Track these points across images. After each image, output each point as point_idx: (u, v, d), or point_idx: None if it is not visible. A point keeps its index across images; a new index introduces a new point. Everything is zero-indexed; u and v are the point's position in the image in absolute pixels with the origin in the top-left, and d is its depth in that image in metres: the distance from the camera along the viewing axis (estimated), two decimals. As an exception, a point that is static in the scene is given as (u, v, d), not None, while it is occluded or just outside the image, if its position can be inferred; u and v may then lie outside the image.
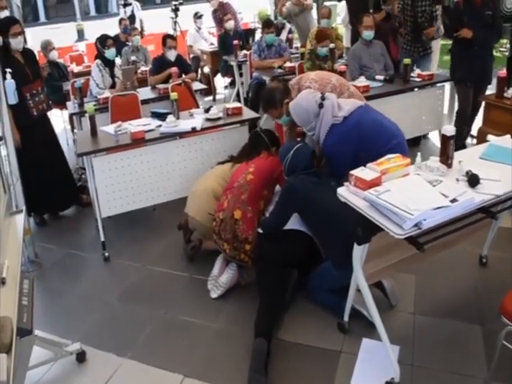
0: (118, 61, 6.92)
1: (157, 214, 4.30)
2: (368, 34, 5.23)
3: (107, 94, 4.87)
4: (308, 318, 2.94)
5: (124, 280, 3.50)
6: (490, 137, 3.16)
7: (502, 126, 4.08)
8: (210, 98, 7.93)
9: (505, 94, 4.34)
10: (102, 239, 3.78)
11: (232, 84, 7.72)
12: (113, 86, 5.17)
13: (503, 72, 4.38)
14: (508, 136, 3.14)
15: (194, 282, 3.39)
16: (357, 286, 2.60)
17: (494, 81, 4.78)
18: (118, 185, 3.75)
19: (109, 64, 5.17)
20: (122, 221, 4.09)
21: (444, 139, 2.75)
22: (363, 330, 2.76)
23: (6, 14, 5.41)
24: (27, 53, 4.13)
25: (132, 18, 8.51)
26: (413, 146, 5.52)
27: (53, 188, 4.26)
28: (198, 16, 8.19)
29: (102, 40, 5.11)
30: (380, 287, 2.98)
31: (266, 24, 6.28)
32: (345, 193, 2.50)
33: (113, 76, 5.21)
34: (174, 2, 8.87)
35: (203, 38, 8.32)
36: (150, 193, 3.87)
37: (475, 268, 3.35)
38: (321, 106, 3.05)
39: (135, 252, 3.83)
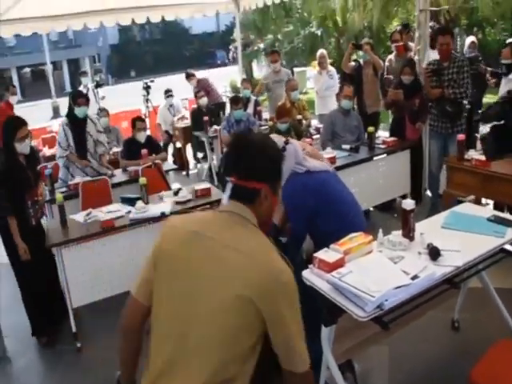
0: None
1: (121, 301, 4.22)
2: (346, 102, 5.42)
3: (77, 179, 4.87)
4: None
5: (97, 374, 3.40)
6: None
7: (465, 188, 4.20)
8: (184, 173, 8.03)
9: (465, 156, 4.47)
10: (74, 330, 3.70)
11: (204, 158, 7.87)
12: (83, 144, 4.96)
13: (461, 136, 4.54)
14: (469, 201, 3.24)
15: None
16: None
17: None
18: (88, 274, 3.72)
19: (78, 122, 4.91)
20: (94, 308, 4.01)
21: (405, 213, 2.81)
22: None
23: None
24: (31, 155, 3.85)
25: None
26: (383, 210, 5.66)
27: (51, 304, 3.91)
28: (168, 95, 8.38)
29: (74, 96, 4.95)
30: (350, 369, 2.92)
31: (234, 100, 6.48)
32: (309, 275, 2.52)
33: (83, 134, 4.93)
34: (145, 80, 9.15)
35: (172, 115, 8.37)
36: (122, 280, 3.83)
37: (448, 333, 3.37)
38: (283, 149, 2.92)
39: (108, 341, 3.71)
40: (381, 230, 2.77)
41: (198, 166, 8.04)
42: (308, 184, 2.92)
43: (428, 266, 2.41)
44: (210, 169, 7.32)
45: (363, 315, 2.14)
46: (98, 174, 5.02)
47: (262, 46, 16.01)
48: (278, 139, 3.08)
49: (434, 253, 2.51)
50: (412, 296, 2.27)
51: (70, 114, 4.94)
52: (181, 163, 7.79)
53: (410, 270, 2.38)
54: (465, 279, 2.79)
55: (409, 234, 2.78)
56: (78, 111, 4.88)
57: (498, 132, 4.22)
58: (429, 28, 5.79)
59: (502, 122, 4.22)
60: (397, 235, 2.75)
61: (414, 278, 2.31)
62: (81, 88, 8.47)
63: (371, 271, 2.38)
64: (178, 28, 39.02)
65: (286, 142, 3.00)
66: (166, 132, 8.31)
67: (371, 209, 5.66)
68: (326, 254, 2.52)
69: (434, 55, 5.56)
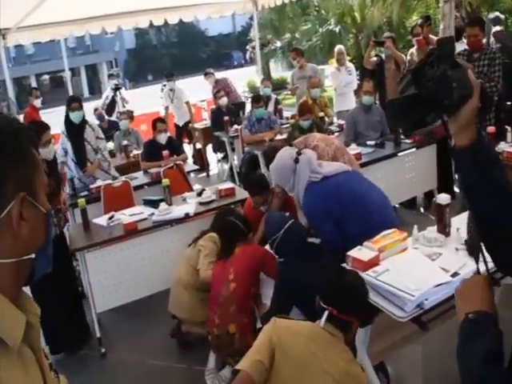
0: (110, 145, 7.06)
1: (153, 302, 4.17)
2: (367, 99, 5.30)
3: (99, 182, 4.84)
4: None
5: (122, 379, 3.34)
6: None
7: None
8: (204, 174, 7.98)
9: (496, 149, 4.33)
10: (98, 335, 3.66)
11: (225, 158, 7.80)
12: (81, 151, 4.86)
13: (491, 128, 4.39)
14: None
15: (193, 375, 3.24)
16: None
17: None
18: (112, 278, 3.66)
19: (74, 128, 4.82)
20: (118, 312, 3.96)
21: (439, 208, 2.72)
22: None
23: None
24: (53, 161, 3.74)
25: (113, 102, 8.54)
26: (408, 207, 5.52)
27: (72, 318, 3.73)
28: (168, 78, 8.26)
29: (68, 101, 4.88)
30: (384, 371, 2.82)
31: (255, 99, 6.40)
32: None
33: (80, 141, 4.83)
34: (163, 82, 9.10)
35: (171, 99, 8.23)
36: (146, 283, 3.78)
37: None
38: (296, 160, 2.95)
39: (132, 345, 3.69)
40: (415, 227, 2.67)
41: (219, 166, 7.96)
42: (324, 191, 2.88)
43: (467, 262, 2.30)
44: (231, 169, 7.24)
45: (403, 315, 2.05)
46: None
47: (279, 45, 15.93)
48: (291, 151, 3.02)
49: (473, 248, 2.39)
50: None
51: (67, 121, 4.86)
52: (201, 164, 7.72)
53: (449, 267, 2.28)
54: (505, 275, 2.66)
55: (444, 229, 2.69)
56: (73, 116, 4.81)
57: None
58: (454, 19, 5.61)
59: None
60: (432, 231, 2.66)
61: (454, 275, 2.20)
62: (108, 91, 8.51)
63: (409, 269, 2.28)
64: (194, 30, 39.15)
65: (299, 153, 2.98)
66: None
67: (397, 205, 5.52)
68: (360, 253, 2.43)
69: (458, 47, 5.39)
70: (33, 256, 0.88)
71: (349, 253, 2.44)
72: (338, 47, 7.60)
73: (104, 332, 3.73)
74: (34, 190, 0.89)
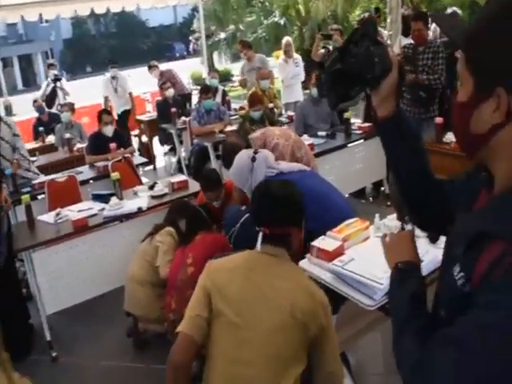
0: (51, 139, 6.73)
1: (107, 301, 4.00)
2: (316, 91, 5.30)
3: (42, 177, 4.58)
4: None
5: (76, 383, 3.18)
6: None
7: (444, 171, 4.15)
8: (151, 167, 7.76)
9: (443, 139, 4.45)
10: (48, 338, 3.46)
11: (172, 150, 7.62)
12: None
13: (439, 119, 4.51)
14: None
15: (152, 374, 3.12)
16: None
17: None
18: (61, 278, 3.48)
19: None
20: (69, 313, 3.76)
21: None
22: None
23: None
24: None
25: (53, 93, 8.15)
26: (358, 197, 5.61)
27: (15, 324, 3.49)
28: (111, 65, 7.98)
29: None
30: (344, 361, 2.83)
31: (204, 90, 6.28)
32: (307, 265, 2.39)
33: None
34: (106, 73, 8.77)
35: (114, 88, 7.98)
36: (98, 281, 3.61)
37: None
38: (253, 159, 2.92)
39: (86, 347, 3.52)
40: (377, 215, 2.68)
41: (166, 159, 7.77)
42: None
43: (429, 249, 2.32)
44: (178, 161, 7.08)
45: (371, 303, 2.05)
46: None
47: (223, 36, 15.77)
48: (248, 152, 2.99)
49: (433, 236, 2.42)
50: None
51: None
52: (147, 157, 7.49)
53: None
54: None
55: (404, 217, 2.70)
56: None
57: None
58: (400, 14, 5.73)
59: None
60: (392, 219, 2.67)
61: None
62: (46, 82, 8.09)
63: (373, 257, 2.26)
64: (134, 20, 38.10)
65: (256, 152, 2.98)
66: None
67: (347, 195, 5.59)
68: (324, 242, 2.41)
69: (405, 41, 5.51)
70: None
71: (313, 243, 2.41)
72: (286, 39, 7.59)
73: (54, 335, 3.53)
74: None
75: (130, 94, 8.07)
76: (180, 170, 6.94)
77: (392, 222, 2.63)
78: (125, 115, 8.06)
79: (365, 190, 5.72)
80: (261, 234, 1.79)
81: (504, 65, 0.84)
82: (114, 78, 7.91)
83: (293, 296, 1.66)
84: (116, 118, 7.80)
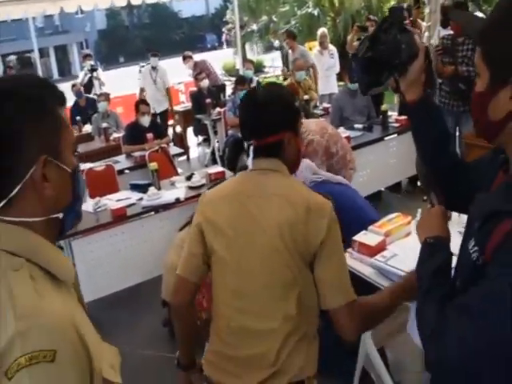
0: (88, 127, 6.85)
1: (142, 290, 4.06)
2: (354, 84, 5.22)
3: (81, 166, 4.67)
4: None
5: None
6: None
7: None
8: (184, 157, 7.81)
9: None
10: (88, 325, 3.52)
11: (205, 141, 7.65)
12: None
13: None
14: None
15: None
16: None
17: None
18: (100, 266, 3.54)
19: None
20: (105, 301, 3.83)
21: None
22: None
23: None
24: None
25: (90, 82, 8.26)
26: (393, 190, 5.52)
27: None
28: (152, 53, 7.78)
29: None
30: (383, 357, 2.80)
31: (239, 81, 6.28)
32: (348, 260, 2.36)
33: None
34: (141, 64, 8.82)
35: (153, 80, 7.65)
36: (135, 271, 3.67)
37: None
38: None
39: (123, 336, 3.56)
40: (419, 210, 2.62)
41: (199, 149, 7.81)
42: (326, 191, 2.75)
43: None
44: (212, 152, 7.11)
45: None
46: None
47: (255, 27, 15.69)
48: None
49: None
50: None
51: None
52: (181, 147, 7.54)
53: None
54: None
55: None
56: None
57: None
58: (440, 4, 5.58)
59: None
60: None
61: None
62: (84, 72, 8.23)
63: (416, 253, 2.23)
64: (167, 12, 38.26)
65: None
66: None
67: (383, 189, 5.52)
68: (366, 237, 2.38)
69: (444, 32, 5.35)
70: (60, 216, 0.93)
71: (354, 237, 2.38)
72: (322, 30, 7.52)
73: (92, 322, 3.59)
74: (58, 150, 0.90)
75: (168, 89, 7.76)
76: (214, 161, 6.97)
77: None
78: (163, 116, 7.65)
79: (401, 184, 5.63)
80: (251, 148, 1.59)
81: None
82: (154, 68, 7.65)
83: (282, 214, 1.45)
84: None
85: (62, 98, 0.93)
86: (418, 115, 1.30)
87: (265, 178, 1.53)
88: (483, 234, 0.97)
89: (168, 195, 3.76)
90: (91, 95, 7.79)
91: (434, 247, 1.20)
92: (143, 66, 8.53)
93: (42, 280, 0.84)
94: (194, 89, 7.76)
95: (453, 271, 1.15)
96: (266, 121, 1.52)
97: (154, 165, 3.93)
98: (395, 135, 5.04)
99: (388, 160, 5.10)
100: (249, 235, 1.48)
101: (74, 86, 7.58)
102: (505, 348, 0.87)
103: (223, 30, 20.65)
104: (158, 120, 6.85)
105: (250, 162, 1.59)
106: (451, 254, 1.18)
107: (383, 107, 5.06)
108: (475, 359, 0.91)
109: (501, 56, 0.94)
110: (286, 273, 1.46)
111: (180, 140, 7.94)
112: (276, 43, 16.45)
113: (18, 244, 0.85)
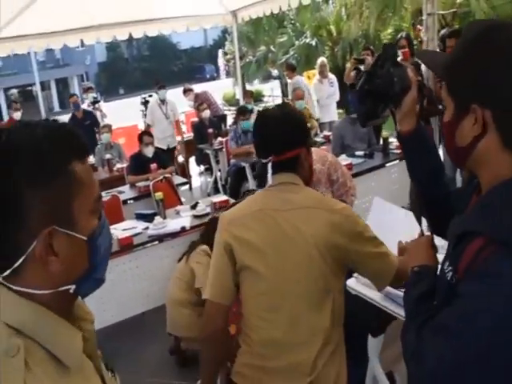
0: (91, 159, 6.92)
1: (147, 318, 4.05)
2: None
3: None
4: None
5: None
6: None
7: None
8: (186, 187, 7.86)
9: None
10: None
11: (207, 170, 7.73)
12: None
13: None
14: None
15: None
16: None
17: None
18: (106, 296, 3.53)
19: None
20: (110, 331, 3.82)
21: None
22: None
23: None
24: None
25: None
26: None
27: None
28: (159, 85, 7.42)
29: None
30: (391, 380, 2.79)
31: (241, 111, 6.38)
32: (355, 285, 2.38)
33: None
34: (143, 95, 8.96)
35: (164, 113, 7.29)
36: (140, 300, 3.68)
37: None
38: None
39: (129, 364, 3.54)
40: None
41: (201, 179, 7.88)
42: None
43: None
44: (215, 182, 7.18)
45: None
46: None
47: (253, 58, 15.98)
48: None
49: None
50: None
51: None
52: (183, 177, 7.62)
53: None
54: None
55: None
56: None
57: None
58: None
59: None
60: (440, 239, 2.64)
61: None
62: (86, 105, 8.39)
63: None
64: (166, 43, 39.01)
65: None
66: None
67: (384, 216, 5.55)
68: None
69: None
70: (72, 288, 0.80)
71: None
72: (321, 59, 7.69)
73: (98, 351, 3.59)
74: (70, 216, 0.76)
75: (178, 121, 7.56)
76: (216, 190, 7.03)
77: (440, 241, 2.62)
78: (170, 152, 7.30)
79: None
80: (269, 166, 1.64)
81: (475, 85, 0.99)
82: (162, 101, 7.28)
83: (313, 225, 1.51)
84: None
85: (81, 150, 0.79)
86: (411, 146, 1.34)
87: (288, 192, 1.59)
88: (456, 254, 1.01)
89: (173, 224, 3.80)
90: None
91: (419, 275, 1.22)
92: (145, 98, 8.64)
93: (44, 366, 0.73)
94: (196, 119, 7.88)
95: None
96: (285, 136, 1.61)
97: (159, 194, 3.99)
98: (397, 161, 5.11)
99: (390, 186, 5.14)
100: (282, 248, 1.52)
101: (71, 96, 7.72)
102: (481, 365, 0.90)
103: (223, 60, 20.98)
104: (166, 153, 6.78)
105: (269, 177, 1.63)
106: (435, 281, 1.21)
107: (384, 134, 5.14)
108: (454, 377, 0.94)
109: (462, 85, 1.01)
110: (321, 283, 1.50)
111: (182, 170, 8.02)
112: (274, 72, 16.75)
113: (20, 319, 0.74)
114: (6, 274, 0.75)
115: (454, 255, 1.03)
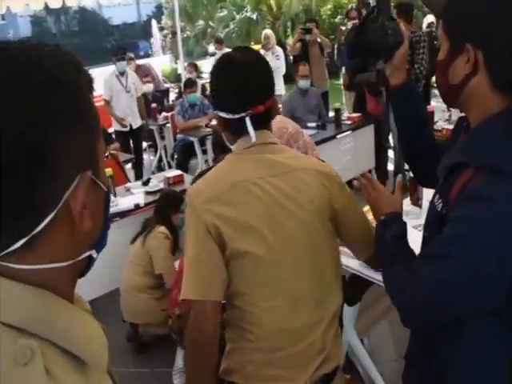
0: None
1: (98, 305, 3.79)
2: (304, 83, 5.21)
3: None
4: None
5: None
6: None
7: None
8: (129, 165, 7.51)
9: (435, 127, 4.45)
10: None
11: (150, 147, 7.40)
12: None
13: (431, 107, 4.51)
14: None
15: (157, 378, 2.98)
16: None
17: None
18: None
19: None
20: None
21: (413, 182, 2.73)
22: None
23: None
24: None
25: None
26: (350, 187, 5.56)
27: None
28: (119, 56, 5.95)
29: None
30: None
31: (188, 84, 6.12)
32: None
33: None
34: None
35: (124, 87, 6.03)
36: (90, 285, 3.40)
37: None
38: None
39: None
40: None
41: (145, 156, 7.55)
42: None
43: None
44: (159, 159, 6.89)
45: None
46: None
47: (191, 33, 15.56)
48: None
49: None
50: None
51: None
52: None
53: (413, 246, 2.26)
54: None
55: (417, 202, 2.77)
56: None
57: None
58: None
59: None
60: (407, 204, 2.68)
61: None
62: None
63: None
64: (97, 19, 37.36)
65: None
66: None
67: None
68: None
69: None
70: (94, 254, 0.67)
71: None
72: (265, 32, 7.53)
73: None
74: (97, 162, 0.62)
75: (140, 98, 6.29)
76: (159, 169, 6.74)
77: (407, 207, 2.66)
78: (139, 132, 6.28)
79: (351, 181, 5.68)
80: (248, 120, 1.31)
81: (470, 25, 1.05)
82: (122, 74, 5.98)
83: (311, 188, 1.32)
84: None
85: (92, 85, 0.64)
86: (400, 99, 1.38)
87: (270, 153, 1.35)
88: (446, 187, 1.07)
89: (125, 202, 3.56)
90: None
91: (386, 221, 1.26)
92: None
93: (61, 366, 0.57)
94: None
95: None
96: (266, 82, 1.36)
97: (108, 170, 3.69)
98: (349, 132, 5.09)
99: (342, 157, 5.13)
100: (279, 223, 1.29)
101: None
102: (472, 284, 0.97)
103: (156, 36, 20.27)
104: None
105: (252, 135, 1.31)
106: (405, 224, 1.25)
107: (336, 105, 5.09)
108: (455, 297, 0.99)
109: (458, 25, 1.08)
110: (323, 255, 1.37)
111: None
112: (210, 49, 16.40)
113: (26, 313, 0.56)
114: (19, 244, 0.55)
115: (444, 187, 1.09)
